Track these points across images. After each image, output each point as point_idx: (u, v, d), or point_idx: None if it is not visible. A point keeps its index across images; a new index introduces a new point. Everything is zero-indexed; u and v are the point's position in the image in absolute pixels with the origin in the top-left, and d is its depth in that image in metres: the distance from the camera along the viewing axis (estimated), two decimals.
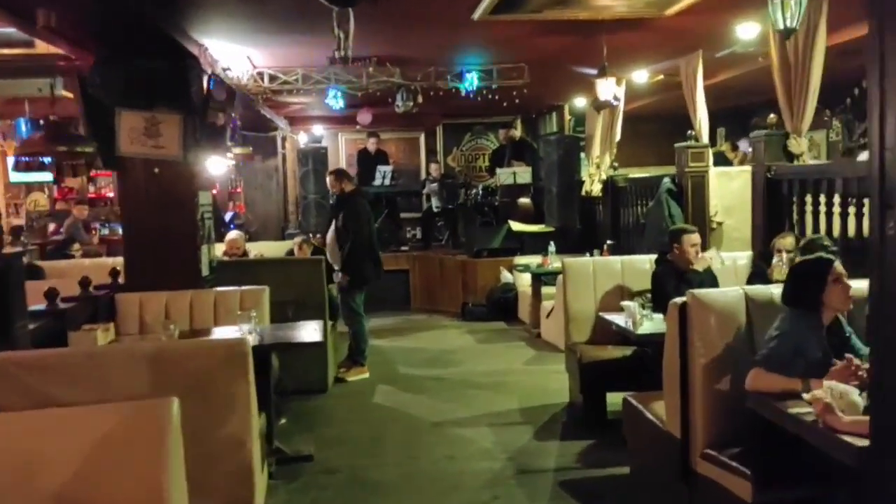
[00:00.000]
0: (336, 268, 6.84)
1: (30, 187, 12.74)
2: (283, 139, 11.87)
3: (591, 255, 8.61)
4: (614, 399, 5.03)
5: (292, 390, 6.06)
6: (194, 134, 5.66)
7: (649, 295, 5.43)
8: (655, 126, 12.60)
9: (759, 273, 5.16)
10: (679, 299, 3.53)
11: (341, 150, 13.43)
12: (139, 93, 5.38)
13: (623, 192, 9.21)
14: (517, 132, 11.28)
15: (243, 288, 5.55)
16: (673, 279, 5.07)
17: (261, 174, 11.42)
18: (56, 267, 7.52)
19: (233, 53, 6.65)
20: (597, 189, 9.58)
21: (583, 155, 10.65)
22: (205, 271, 5.83)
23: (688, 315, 3.43)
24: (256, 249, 8.56)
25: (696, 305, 3.41)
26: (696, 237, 5.17)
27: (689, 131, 7.28)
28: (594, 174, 10.00)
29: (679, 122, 13.43)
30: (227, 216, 11.42)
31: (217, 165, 9.01)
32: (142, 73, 5.33)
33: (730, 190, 7.37)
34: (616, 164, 9.42)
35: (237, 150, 9.90)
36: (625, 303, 4.83)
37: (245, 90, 7.50)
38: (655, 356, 4.23)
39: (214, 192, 12.75)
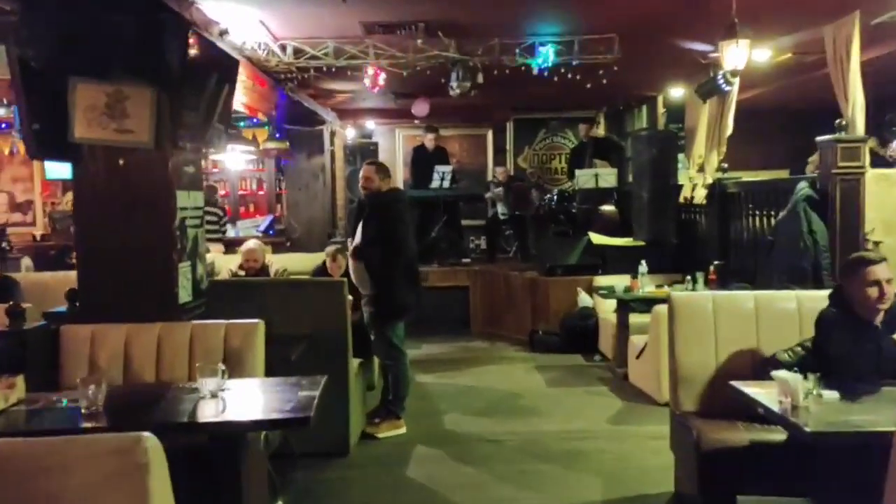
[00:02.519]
0: (364, 292, 5.33)
1: (66, 184, 11.72)
2: (332, 134, 10.46)
3: (694, 279, 6.89)
4: None
5: (300, 453, 4.58)
6: (173, 115, 4.23)
7: (800, 349, 3.78)
8: (768, 123, 10.69)
9: None
10: None
11: (398, 147, 11.96)
12: (92, 57, 3.98)
13: (734, 199, 7.41)
14: (600, 128, 9.55)
15: (229, 322, 4.08)
16: (849, 333, 3.36)
17: (305, 174, 10.02)
18: (40, 281, 6.28)
19: (237, 14, 5.20)
20: (700, 195, 7.79)
21: (681, 156, 8.85)
22: (185, 296, 4.39)
23: None
24: (284, 262, 7.13)
25: None
26: (882, 270, 3.42)
27: (838, 121, 5.46)
28: (696, 178, 8.22)
29: (799, 117, 11.42)
30: (265, 223, 10.09)
31: (233, 160, 7.63)
32: (94, 27, 3.93)
33: (891, 198, 5.53)
34: (725, 166, 7.61)
35: (271, 145, 8.54)
36: (779, 373, 3.12)
37: (264, 65, 6.07)
38: (832, 459, 2.65)
39: (223, 193, 11.56)
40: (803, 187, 5.55)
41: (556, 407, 5.99)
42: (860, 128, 5.41)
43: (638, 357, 6.26)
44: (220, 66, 4.74)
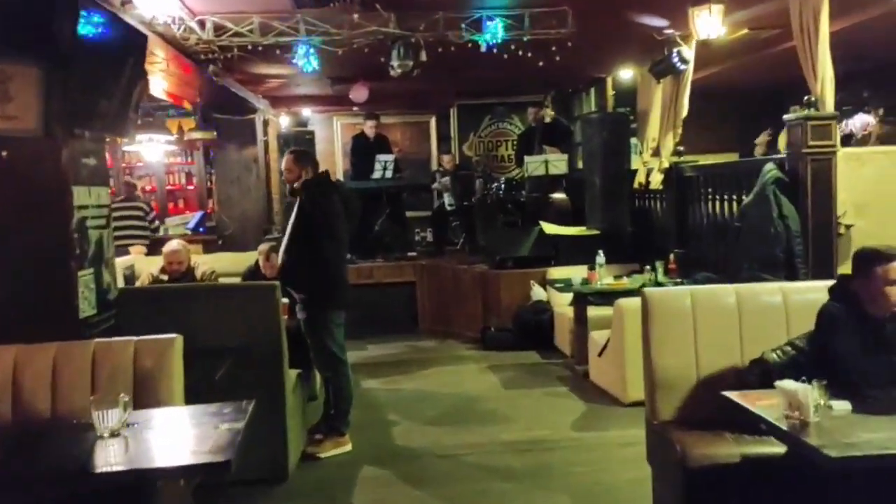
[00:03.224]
0: (295, 294, 4.77)
1: None
2: (266, 123, 9.79)
3: (653, 268, 6.52)
4: None
5: (231, 481, 4.02)
6: (67, 98, 3.60)
7: (790, 349, 3.40)
8: (716, 105, 10.43)
9: None
10: None
11: (337, 136, 11.33)
12: None
13: (692, 184, 7.06)
14: (550, 111, 9.11)
15: (139, 339, 3.48)
16: (856, 332, 2.96)
17: (237, 166, 9.32)
18: None
19: None
20: (656, 180, 7.42)
21: (632, 140, 8.48)
22: (87, 310, 3.77)
23: None
24: (213, 263, 6.49)
25: None
26: None
27: (806, 98, 5.11)
28: (650, 162, 7.85)
29: (748, 99, 11.22)
30: (194, 220, 9.38)
31: (152, 151, 6.94)
32: None
33: (861, 179, 5.22)
34: (682, 149, 7.26)
35: (196, 135, 7.85)
36: (785, 384, 2.69)
37: (181, 44, 5.43)
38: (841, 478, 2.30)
39: (147, 188, 10.78)
40: (771, 169, 5.19)
41: (515, 412, 5.53)
42: (830, 104, 5.07)
43: (600, 355, 5.85)
44: (125, 42, 4.10)
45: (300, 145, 8.81)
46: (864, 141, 8.27)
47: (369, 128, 9.49)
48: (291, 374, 4.73)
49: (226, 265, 6.55)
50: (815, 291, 3.67)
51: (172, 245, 5.73)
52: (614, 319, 5.68)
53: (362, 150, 9.52)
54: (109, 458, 2.59)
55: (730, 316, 3.67)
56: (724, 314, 3.67)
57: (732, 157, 9.99)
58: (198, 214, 9.36)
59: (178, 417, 3.10)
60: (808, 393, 2.57)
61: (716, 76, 9.03)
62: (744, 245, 5.25)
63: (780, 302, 3.68)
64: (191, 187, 11.23)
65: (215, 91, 8.08)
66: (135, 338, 3.48)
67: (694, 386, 3.61)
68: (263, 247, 5.78)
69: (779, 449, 3.02)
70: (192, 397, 3.49)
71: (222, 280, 6.17)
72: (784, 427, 2.53)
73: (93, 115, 3.87)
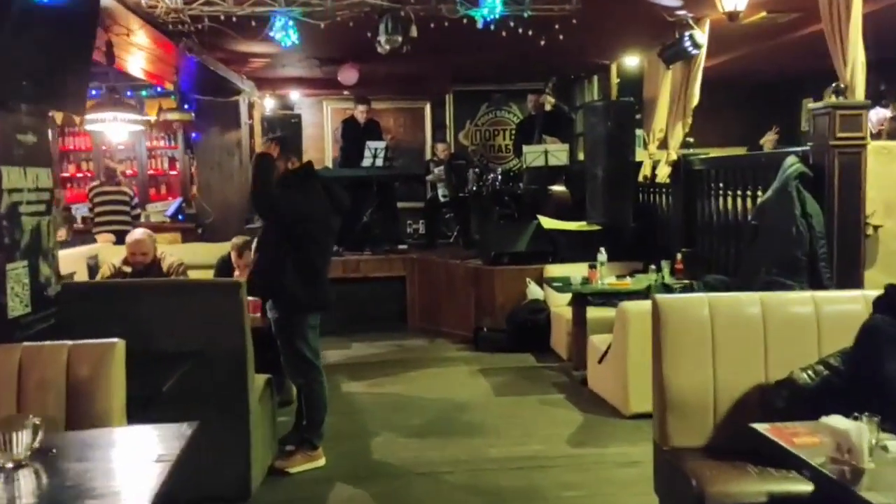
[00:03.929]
0: (266, 295, 4.31)
1: None
2: (251, 106, 9.29)
3: (658, 268, 6.07)
4: None
5: (186, 500, 3.55)
6: None
7: (824, 369, 2.97)
8: (724, 97, 9.93)
9: None
10: None
11: (327, 121, 10.81)
12: None
13: (701, 177, 6.59)
14: (550, 99, 8.62)
15: (74, 343, 3.01)
16: None
17: (218, 150, 8.82)
18: None
19: None
20: (663, 174, 6.94)
21: (637, 131, 7.99)
22: (18, 308, 3.30)
23: None
24: (186, 254, 6.01)
25: None
26: None
27: (835, 84, 4.63)
28: (656, 154, 7.37)
29: (757, 91, 10.73)
30: (172, 207, 8.90)
31: (116, 131, 6.44)
32: None
33: (892, 175, 4.77)
34: (691, 140, 6.78)
35: (173, 116, 7.35)
36: (833, 421, 2.21)
37: (146, 14, 4.93)
38: None
39: (129, 172, 10.24)
40: (794, 163, 4.72)
41: (506, 423, 5.07)
42: (860, 92, 4.59)
43: (600, 362, 5.39)
44: (73, 3, 3.61)
45: (286, 130, 8.28)
46: (876, 137, 7.83)
47: (360, 112, 8.99)
48: (259, 380, 4.27)
49: (198, 257, 6.08)
50: (852, 302, 3.23)
51: (136, 234, 5.25)
52: (616, 323, 5.22)
53: (352, 136, 9.01)
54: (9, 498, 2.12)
55: (753, 328, 3.21)
56: (747, 326, 3.21)
57: (739, 151, 9.52)
58: (176, 201, 8.87)
59: (108, 441, 2.63)
60: (862, 434, 2.11)
61: (724, 66, 8.55)
62: (761, 246, 4.78)
63: (812, 313, 3.22)
64: (174, 172, 10.73)
65: (195, 70, 7.58)
66: (69, 342, 3.00)
67: (711, 408, 3.15)
68: (236, 240, 5.30)
69: (806, 486, 2.56)
70: (139, 410, 3.05)
71: (193, 273, 5.71)
72: (833, 476, 2.07)
73: (31, 86, 3.38)
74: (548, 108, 8.67)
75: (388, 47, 5.25)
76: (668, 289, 5.45)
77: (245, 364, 3.93)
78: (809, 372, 3.00)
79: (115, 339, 3.02)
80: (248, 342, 3.94)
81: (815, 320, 3.21)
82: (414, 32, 5.17)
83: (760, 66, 9.28)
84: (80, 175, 10.62)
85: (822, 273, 4.45)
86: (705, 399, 3.16)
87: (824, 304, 3.24)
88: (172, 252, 5.67)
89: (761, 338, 3.19)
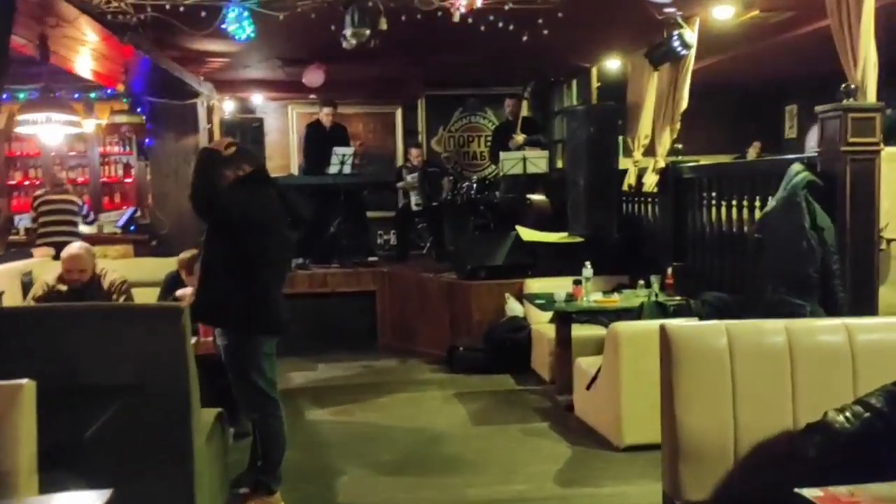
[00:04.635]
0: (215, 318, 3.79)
1: None
2: (210, 109, 8.72)
3: (647, 284, 5.65)
4: None
5: None
6: None
7: (863, 410, 2.54)
8: (708, 103, 9.55)
9: None
10: None
11: (292, 127, 10.25)
12: None
13: (692, 186, 6.18)
14: (525, 106, 8.22)
15: None
16: None
17: (174, 157, 8.22)
18: None
19: None
20: (650, 182, 6.53)
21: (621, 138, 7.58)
22: None
23: None
24: (131, 269, 5.46)
25: None
26: None
27: (845, 85, 4.23)
28: (641, 161, 6.97)
29: (744, 98, 10.32)
30: (124, 217, 8.30)
31: (51, 133, 5.86)
32: None
33: None
34: (680, 147, 6.38)
35: (121, 119, 6.78)
36: None
37: (85, 5, 4.38)
38: None
39: (80, 179, 9.61)
40: (800, 170, 4.32)
41: (485, 457, 4.57)
42: (872, 93, 4.20)
43: (589, 388, 4.92)
44: None
45: (248, 136, 7.77)
46: None
47: (325, 116, 8.46)
48: (207, 416, 3.74)
49: (146, 273, 5.54)
50: (892, 330, 2.81)
51: (72, 249, 4.68)
52: (607, 346, 4.76)
53: (318, 141, 8.48)
54: None
55: (778, 361, 2.75)
56: (771, 358, 2.76)
57: (724, 159, 9.19)
58: (128, 211, 8.26)
59: None
60: None
61: (707, 70, 8.18)
62: (767, 262, 4.36)
63: (845, 343, 2.78)
64: (129, 180, 10.09)
65: (148, 71, 7.04)
66: None
67: (731, 455, 2.69)
68: (184, 255, 4.76)
69: None
70: (56, 463, 2.56)
71: (139, 292, 5.15)
72: None
73: None
74: (525, 113, 8.25)
75: (354, 42, 4.74)
76: (661, 307, 5.02)
77: (188, 399, 3.38)
78: (847, 414, 2.56)
79: (22, 381, 2.51)
80: (192, 374, 3.40)
81: (850, 351, 2.76)
82: (383, 25, 4.69)
83: (744, 71, 8.95)
84: (27, 183, 9.95)
85: (836, 291, 4.04)
86: (724, 445, 2.70)
87: (859, 333, 2.80)
88: (116, 268, 5.11)
89: (787, 372, 2.74)
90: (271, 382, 3.83)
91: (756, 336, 2.82)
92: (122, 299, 4.72)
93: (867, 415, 2.52)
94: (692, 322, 2.88)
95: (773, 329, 2.83)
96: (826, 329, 2.85)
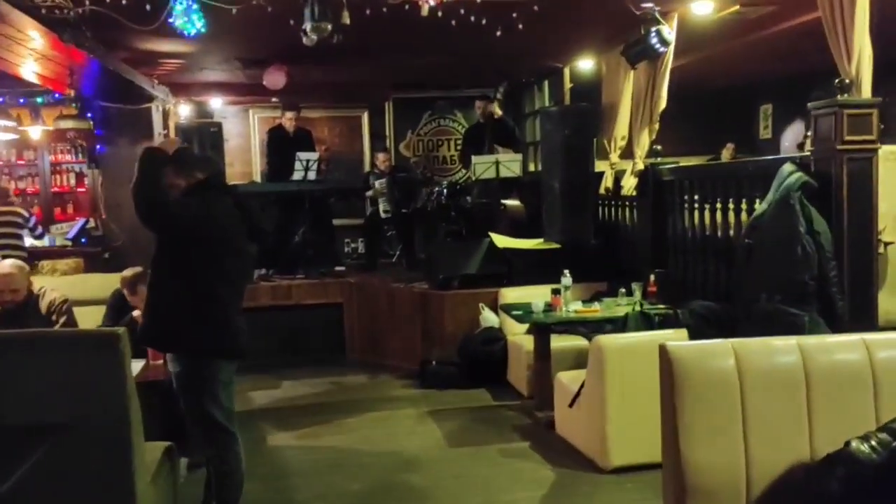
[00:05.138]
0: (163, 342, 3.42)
1: None
2: (166, 114, 8.30)
3: (629, 292, 5.39)
4: None
5: None
6: None
7: (890, 438, 2.28)
8: (680, 104, 9.35)
9: None
10: None
11: (254, 132, 9.85)
12: None
13: (672, 189, 5.92)
14: (497, 107, 7.91)
15: None
16: None
17: (128, 165, 7.70)
18: None
19: None
20: (629, 185, 6.27)
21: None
22: None
23: None
24: (74, 287, 5.05)
25: None
26: None
27: (838, 80, 3.98)
28: (618, 164, 6.71)
29: (716, 98, 10.06)
30: (74, 228, 7.84)
31: None
32: None
33: None
34: (659, 148, 6.13)
35: (67, 125, 6.35)
36: None
37: None
38: None
39: (30, 190, 9.10)
40: (793, 171, 4.06)
41: (463, 484, 4.24)
42: (867, 88, 3.96)
43: (571, 405, 4.61)
44: None
45: (205, 139, 7.37)
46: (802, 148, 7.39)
47: (288, 120, 8.07)
48: (154, 452, 3.37)
49: (92, 290, 5.10)
50: None
51: (4, 267, 4.25)
52: (591, 361, 4.45)
53: (280, 146, 8.08)
54: None
55: (792, 383, 2.47)
56: (784, 381, 2.47)
57: (696, 161, 8.97)
58: (79, 222, 7.80)
59: None
60: None
61: (681, 70, 7.96)
62: (759, 269, 4.09)
63: (864, 361, 2.50)
64: (81, 189, 9.59)
65: (98, 74, 6.61)
66: None
67: (743, 493, 2.40)
68: (126, 273, 4.34)
69: None
70: None
71: (84, 312, 4.73)
72: None
73: None
74: (497, 114, 7.96)
75: (315, 37, 4.38)
76: (646, 317, 4.73)
77: (128, 438, 3.01)
78: (872, 442, 2.28)
79: None
80: (133, 409, 3.02)
81: (870, 371, 2.49)
82: (346, 19, 4.33)
83: (718, 70, 8.76)
84: None
85: (835, 299, 3.78)
86: (735, 481, 2.40)
87: (879, 350, 2.52)
88: (57, 285, 4.69)
89: (802, 396, 2.46)
90: (228, 414, 3.46)
91: (766, 356, 2.53)
92: (61, 321, 4.31)
93: (894, 442, 2.25)
94: (696, 343, 2.57)
95: (784, 347, 2.54)
96: (842, 346, 2.57)
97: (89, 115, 7.83)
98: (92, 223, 8.23)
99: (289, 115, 8.02)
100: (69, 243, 7.78)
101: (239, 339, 3.48)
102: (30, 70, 6.53)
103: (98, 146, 7.77)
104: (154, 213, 3.29)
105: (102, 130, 7.71)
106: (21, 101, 7.90)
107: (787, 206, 3.94)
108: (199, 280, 3.35)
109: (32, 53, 5.87)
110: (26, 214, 7.40)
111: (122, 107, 7.67)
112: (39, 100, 8.03)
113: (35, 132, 7.63)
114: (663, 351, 2.52)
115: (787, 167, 4.12)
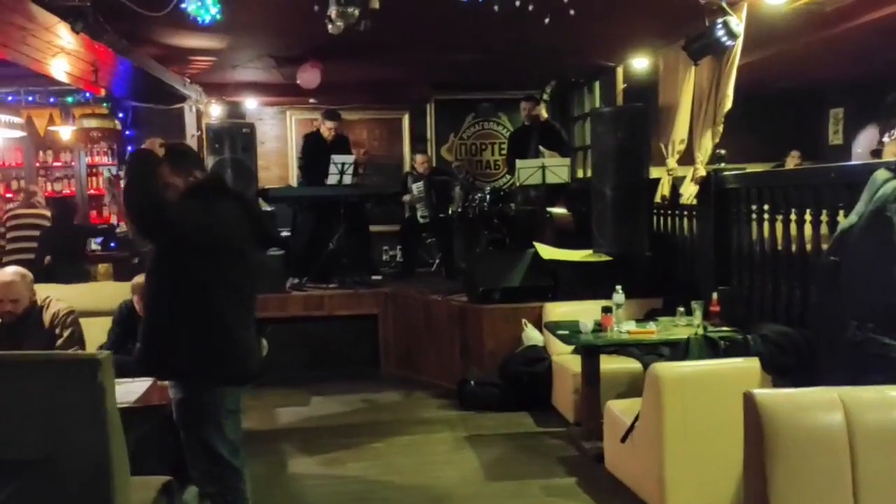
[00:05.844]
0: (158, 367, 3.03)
1: None
2: (199, 115, 8.02)
3: (688, 311, 4.85)
4: None
5: None
6: None
7: None
8: (743, 107, 8.74)
9: None
10: None
11: (291, 135, 9.50)
12: None
13: (737, 198, 5.36)
14: (543, 109, 7.42)
15: None
16: None
17: None
18: None
19: None
20: (689, 193, 5.72)
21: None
22: None
23: None
24: (84, 297, 4.71)
25: None
26: None
27: None
28: (676, 170, 6.16)
29: (781, 102, 9.42)
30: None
31: None
32: None
33: None
34: (723, 153, 5.57)
35: (91, 124, 6.07)
36: None
37: None
38: None
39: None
40: (888, 178, 3.49)
41: None
42: None
43: (624, 440, 4.10)
44: None
45: (238, 143, 7.03)
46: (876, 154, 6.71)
47: (327, 129, 7.66)
48: (147, 489, 2.98)
49: (105, 300, 4.72)
50: None
51: (6, 277, 3.92)
52: (647, 391, 3.93)
53: (316, 152, 7.67)
54: None
55: None
56: None
57: (759, 167, 8.35)
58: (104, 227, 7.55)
59: None
60: None
61: (751, 68, 7.37)
62: (848, 291, 3.52)
63: None
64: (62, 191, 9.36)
65: (129, 73, 6.34)
66: None
67: None
68: (138, 279, 3.98)
69: None
70: None
71: (93, 324, 4.38)
72: None
73: None
74: (544, 117, 7.47)
75: (341, 24, 3.96)
76: (711, 343, 4.20)
77: (108, 472, 2.61)
78: None
79: None
80: (116, 441, 2.63)
81: None
82: (375, 3, 3.91)
83: (786, 70, 8.13)
84: (9, 196, 9.26)
85: None
86: None
87: None
88: (65, 295, 4.35)
89: None
90: (233, 447, 3.05)
91: (881, 409, 2.02)
92: (66, 334, 3.97)
93: None
94: (792, 392, 2.07)
95: None
96: None
97: (120, 115, 7.58)
98: (122, 227, 7.99)
99: (328, 124, 7.59)
100: (97, 248, 7.54)
101: (247, 362, 3.08)
102: (59, 69, 6.30)
103: (129, 147, 7.51)
104: (147, 220, 2.89)
105: (133, 131, 7.45)
106: (51, 100, 7.69)
107: (882, 219, 3.38)
108: (202, 295, 2.95)
109: (60, 51, 5.62)
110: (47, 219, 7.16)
111: (152, 107, 7.40)
112: (70, 99, 7.81)
113: (64, 132, 7.39)
114: (749, 401, 2.03)
115: (882, 174, 3.55)
